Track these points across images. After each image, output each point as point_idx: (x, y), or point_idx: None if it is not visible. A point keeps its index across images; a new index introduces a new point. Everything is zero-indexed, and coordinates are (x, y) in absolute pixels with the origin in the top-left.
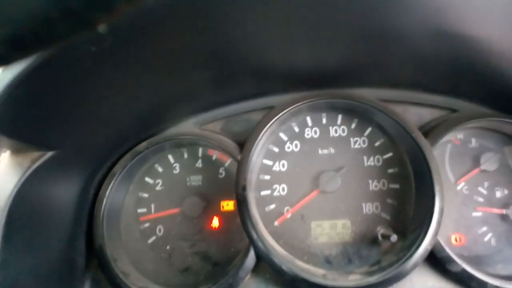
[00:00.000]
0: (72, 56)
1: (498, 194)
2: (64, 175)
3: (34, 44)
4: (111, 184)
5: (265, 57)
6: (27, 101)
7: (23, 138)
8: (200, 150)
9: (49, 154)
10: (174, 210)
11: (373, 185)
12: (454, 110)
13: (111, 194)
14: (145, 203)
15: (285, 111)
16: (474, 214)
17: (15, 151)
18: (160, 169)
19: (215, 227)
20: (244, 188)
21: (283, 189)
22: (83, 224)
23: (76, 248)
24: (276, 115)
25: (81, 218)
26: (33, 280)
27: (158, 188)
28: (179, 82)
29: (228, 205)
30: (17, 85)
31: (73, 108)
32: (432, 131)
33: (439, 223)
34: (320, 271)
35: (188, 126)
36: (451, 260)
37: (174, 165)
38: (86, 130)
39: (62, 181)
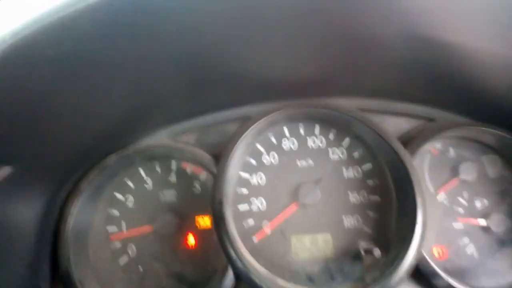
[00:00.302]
0: (27, 60)
1: (478, 204)
2: (24, 191)
3: None
4: (78, 201)
5: (241, 65)
6: None
7: None
8: (174, 163)
9: (6, 168)
10: (147, 228)
11: (353, 197)
12: (431, 119)
13: (77, 211)
14: (115, 221)
15: (261, 121)
16: (455, 225)
17: None
18: (131, 184)
19: (191, 246)
20: (221, 203)
21: (261, 203)
22: (47, 246)
23: (40, 273)
24: (252, 125)
25: (45, 239)
26: None
27: (129, 204)
28: (150, 91)
29: (205, 222)
30: None
31: (32, 117)
32: (411, 141)
33: (423, 236)
34: None
35: (160, 137)
36: (436, 275)
37: (146, 179)
38: (47, 142)
39: (22, 198)
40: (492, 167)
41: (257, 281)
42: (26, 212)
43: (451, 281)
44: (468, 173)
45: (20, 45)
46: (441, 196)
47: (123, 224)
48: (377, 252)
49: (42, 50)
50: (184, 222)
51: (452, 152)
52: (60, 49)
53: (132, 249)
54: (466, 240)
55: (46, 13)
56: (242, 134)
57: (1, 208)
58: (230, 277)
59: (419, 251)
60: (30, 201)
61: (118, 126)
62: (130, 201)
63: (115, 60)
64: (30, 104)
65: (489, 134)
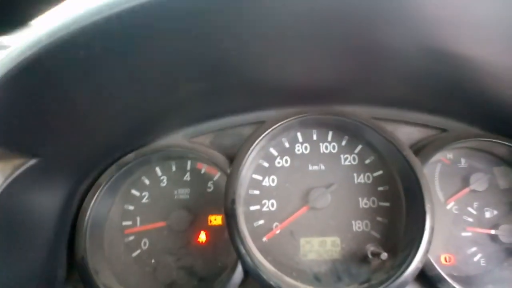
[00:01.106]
0: (58, 60)
1: (488, 214)
2: (47, 183)
3: None
4: (96, 195)
5: (258, 71)
6: (9, 106)
7: (4, 144)
8: (189, 163)
9: (32, 161)
10: (160, 224)
11: (363, 203)
12: (444, 130)
13: (95, 205)
14: (130, 216)
15: (275, 126)
16: (464, 234)
17: None
18: (147, 182)
19: (202, 242)
20: (233, 202)
21: (272, 205)
22: (65, 235)
23: (57, 260)
24: (267, 130)
25: (63, 229)
26: None
27: (144, 200)
28: (170, 94)
29: (216, 220)
30: None
31: (58, 115)
32: (422, 150)
33: (429, 242)
34: None
35: (177, 138)
36: (442, 279)
37: (162, 177)
38: (71, 139)
39: (44, 190)
40: (503, 178)
41: (265, 277)
42: (48, 203)
43: (455, 285)
44: (479, 183)
45: (54, 45)
46: (451, 205)
47: (138, 219)
48: (384, 255)
49: (74, 50)
50: (196, 219)
51: (463, 162)
52: (91, 51)
53: (145, 243)
54: (474, 248)
55: (80, 16)
56: (257, 138)
57: (24, 197)
58: (239, 273)
59: (425, 256)
60: (52, 193)
61: (137, 127)
62: (145, 197)
63: (140, 64)
64: (60, 101)
65: (502, 146)
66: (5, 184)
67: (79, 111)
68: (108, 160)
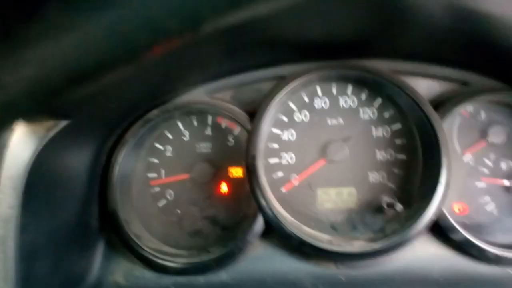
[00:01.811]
0: None
1: (504, 166)
2: (78, 142)
3: None
4: (123, 151)
5: (277, 26)
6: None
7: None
8: (210, 118)
9: (64, 122)
10: (184, 176)
11: (380, 155)
12: (465, 83)
13: (123, 160)
14: (155, 168)
15: (295, 81)
16: (478, 184)
17: (30, 120)
18: (170, 136)
19: (224, 193)
20: (254, 158)
21: (291, 158)
22: (96, 190)
23: (90, 212)
24: (286, 85)
25: (94, 184)
26: (51, 243)
27: (168, 154)
28: (190, 52)
29: (237, 172)
30: None
31: (86, 76)
32: (442, 104)
33: (444, 195)
34: (325, 237)
35: (198, 94)
36: (454, 229)
37: (184, 132)
38: (99, 99)
39: (76, 149)
40: None
41: (285, 227)
42: (79, 160)
43: (467, 235)
44: (497, 136)
45: None
46: (467, 157)
47: (162, 172)
48: (399, 206)
49: None
50: (218, 171)
51: (483, 115)
52: None
53: (170, 194)
54: (487, 198)
55: None
56: (276, 93)
57: (58, 156)
58: (260, 223)
59: (439, 209)
60: (82, 151)
61: (159, 84)
62: (169, 151)
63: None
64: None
65: None
66: (40, 146)
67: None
68: (133, 117)
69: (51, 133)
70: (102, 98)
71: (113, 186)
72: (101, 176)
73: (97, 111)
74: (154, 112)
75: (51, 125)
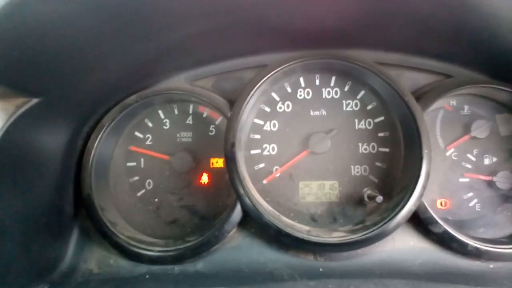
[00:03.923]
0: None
1: (487, 161)
2: (51, 123)
3: None
4: (100, 136)
5: (261, 12)
6: (9, 43)
7: (6, 82)
8: (191, 106)
9: (34, 101)
10: (164, 156)
11: (363, 148)
12: (448, 76)
13: (99, 145)
14: (134, 157)
15: (277, 69)
16: (461, 180)
17: None
18: (150, 124)
19: (204, 183)
20: (233, 146)
21: (273, 149)
22: (71, 174)
23: (64, 197)
24: (268, 73)
25: (69, 168)
26: (21, 224)
27: (147, 142)
28: (170, 35)
29: (218, 163)
30: None
31: (58, 54)
32: (425, 95)
33: (424, 186)
34: (304, 227)
35: (178, 81)
36: (434, 221)
37: (165, 120)
38: (72, 78)
39: (48, 129)
40: (505, 125)
41: (262, 216)
42: (52, 141)
43: (447, 228)
44: (480, 130)
45: None
46: (451, 152)
47: (142, 161)
48: (379, 198)
49: None
50: (199, 161)
51: (466, 109)
52: None
53: (149, 183)
54: (470, 194)
55: None
56: (258, 82)
57: (28, 135)
58: (238, 212)
59: (419, 200)
60: (56, 132)
61: (138, 69)
62: (149, 140)
63: (143, 3)
64: (61, 41)
65: (505, 92)
66: (8, 123)
67: (79, 51)
68: (111, 102)
69: (20, 111)
70: (75, 78)
71: (88, 170)
72: (76, 161)
73: (70, 92)
74: (132, 97)
75: (21, 102)
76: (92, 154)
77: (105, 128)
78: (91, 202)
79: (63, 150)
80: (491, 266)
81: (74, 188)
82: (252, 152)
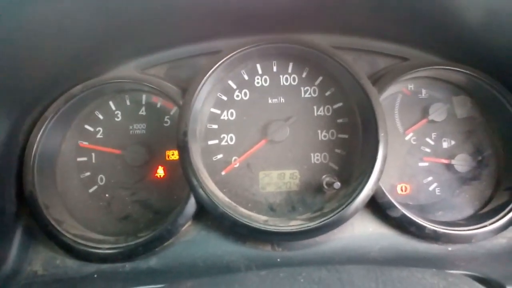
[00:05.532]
0: None
1: (445, 144)
2: None
3: None
4: (43, 129)
5: None
6: None
7: None
8: (144, 97)
9: None
10: (116, 151)
11: (322, 135)
12: (405, 59)
13: (42, 139)
14: (85, 152)
15: (231, 54)
16: (421, 164)
17: None
18: (100, 116)
19: (160, 176)
20: (185, 135)
21: (231, 139)
22: (12, 171)
23: (5, 195)
24: (222, 58)
25: (9, 164)
26: None
27: (98, 136)
28: (117, 19)
29: (174, 155)
30: None
31: None
32: (381, 79)
33: (381, 170)
34: (262, 217)
35: (128, 70)
36: (392, 206)
37: (116, 112)
38: (6, 68)
39: None
40: (461, 107)
41: (217, 207)
42: None
43: (405, 212)
44: (437, 114)
45: None
46: (409, 136)
47: (93, 156)
48: (337, 184)
49: None
50: (153, 154)
51: (424, 93)
52: None
53: (101, 178)
54: (429, 178)
55: None
56: (211, 67)
57: None
58: (191, 204)
59: (376, 184)
60: None
61: (84, 57)
62: (100, 133)
63: None
64: None
65: (460, 73)
66: None
67: (16, 38)
68: (55, 92)
69: None
70: (10, 68)
71: (30, 166)
72: (18, 157)
73: (5, 83)
74: (78, 87)
75: None
76: (34, 149)
77: (48, 120)
78: (34, 200)
79: (2, 145)
80: (450, 248)
81: (16, 185)
82: (210, 142)
